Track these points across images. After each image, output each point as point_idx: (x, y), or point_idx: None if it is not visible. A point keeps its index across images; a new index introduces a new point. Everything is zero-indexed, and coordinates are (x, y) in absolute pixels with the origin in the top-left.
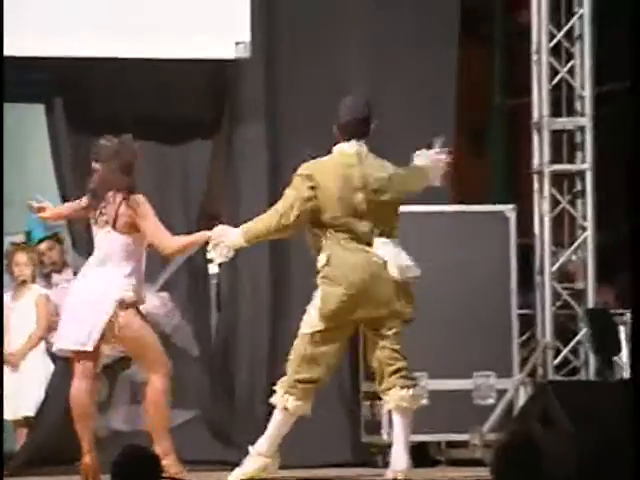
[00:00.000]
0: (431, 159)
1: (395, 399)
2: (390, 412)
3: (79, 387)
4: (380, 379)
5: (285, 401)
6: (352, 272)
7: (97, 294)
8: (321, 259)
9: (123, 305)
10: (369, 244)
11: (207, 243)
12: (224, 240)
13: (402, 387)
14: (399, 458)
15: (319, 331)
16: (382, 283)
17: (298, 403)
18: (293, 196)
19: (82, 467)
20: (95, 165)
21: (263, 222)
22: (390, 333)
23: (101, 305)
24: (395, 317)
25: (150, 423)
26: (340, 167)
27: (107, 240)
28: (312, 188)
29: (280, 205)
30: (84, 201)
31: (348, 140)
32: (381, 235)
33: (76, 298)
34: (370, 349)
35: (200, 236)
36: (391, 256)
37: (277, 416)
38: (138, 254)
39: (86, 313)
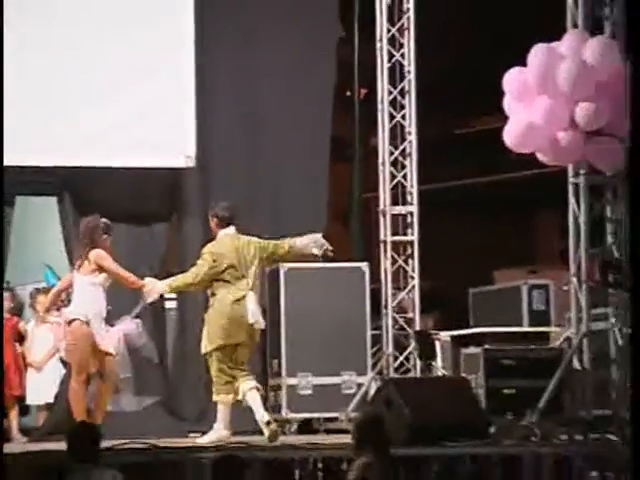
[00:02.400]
0: (312, 239)
1: (250, 384)
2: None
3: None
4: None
5: (220, 398)
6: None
7: None
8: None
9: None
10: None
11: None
12: (154, 287)
13: (250, 381)
14: (265, 414)
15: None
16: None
17: (227, 397)
18: (201, 265)
19: None
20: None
21: (184, 279)
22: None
23: None
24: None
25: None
26: (229, 244)
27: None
28: (214, 260)
29: (194, 270)
30: None
31: (227, 227)
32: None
33: None
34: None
35: (140, 283)
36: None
37: (220, 407)
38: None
39: None
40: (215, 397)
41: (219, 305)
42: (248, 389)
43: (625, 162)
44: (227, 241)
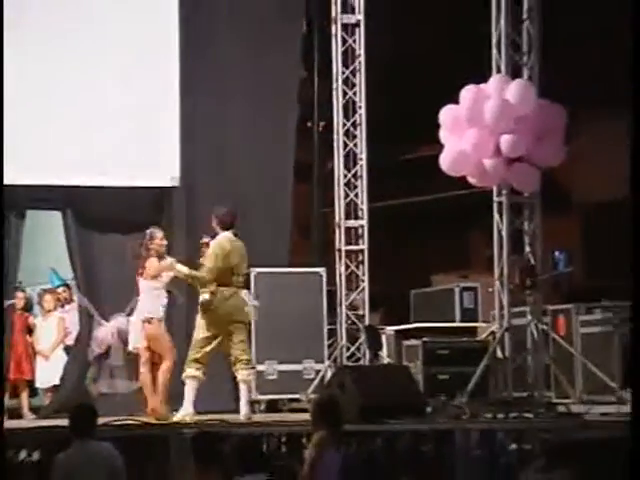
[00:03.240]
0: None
1: (242, 375)
2: (239, 382)
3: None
4: (234, 364)
5: (186, 373)
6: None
7: None
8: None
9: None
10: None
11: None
12: (175, 266)
13: (244, 370)
14: (244, 407)
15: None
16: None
17: (195, 373)
18: (214, 260)
19: None
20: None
21: (201, 275)
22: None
23: None
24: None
25: (151, 387)
26: (229, 245)
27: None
28: (225, 256)
29: (209, 266)
30: None
31: (227, 230)
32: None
33: None
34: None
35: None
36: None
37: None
38: None
39: None
40: (183, 374)
41: (215, 299)
42: (242, 379)
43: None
44: (226, 242)
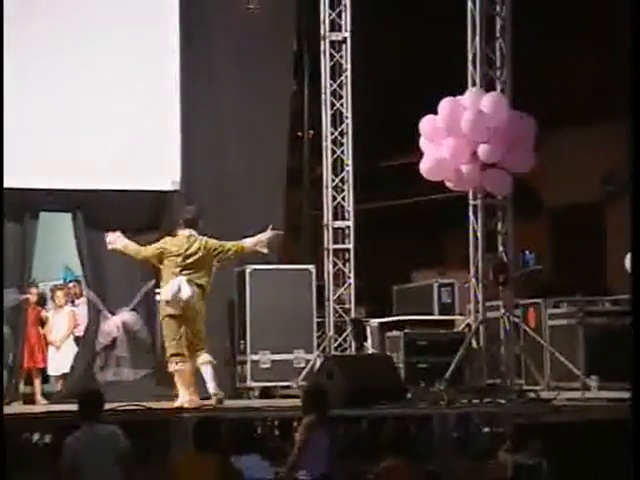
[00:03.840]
0: (259, 239)
1: (204, 358)
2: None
3: None
4: (193, 351)
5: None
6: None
7: None
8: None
9: None
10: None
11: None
12: (118, 239)
13: (202, 353)
14: (212, 387)
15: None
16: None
17: (177, 367)
18: (148, 250)
19: None
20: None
21: (134, 251)
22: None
23: None
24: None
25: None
26: (180, 240)
27: None
28: (158, 249)
29: (142, 250)
30: None
31: (186, 228)
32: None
33: None
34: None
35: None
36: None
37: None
38: None
39: None
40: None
41: (164, 284)
42: (202, 363)
43: (511, 189)
44: (179, 238)
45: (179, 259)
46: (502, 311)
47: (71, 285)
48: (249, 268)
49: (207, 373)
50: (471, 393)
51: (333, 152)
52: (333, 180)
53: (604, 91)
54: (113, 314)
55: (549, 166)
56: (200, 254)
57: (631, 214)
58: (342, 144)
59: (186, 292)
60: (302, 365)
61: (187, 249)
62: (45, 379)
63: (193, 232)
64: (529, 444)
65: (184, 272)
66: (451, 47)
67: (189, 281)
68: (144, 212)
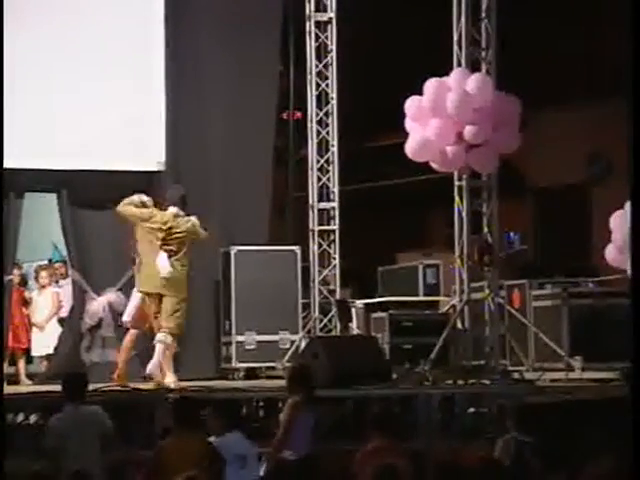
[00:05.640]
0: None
1: (158, 337)
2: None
3: None
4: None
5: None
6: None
7: None
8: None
9: None
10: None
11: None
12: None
13: (162, 332)
14: (149, 367)
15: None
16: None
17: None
18: (135, 212)
19: None
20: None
21: (130, 208)
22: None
23: None
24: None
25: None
26: (164, 216)
27: None
28: (149, 215)
29: (131, 210)
30: None
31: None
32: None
33: None
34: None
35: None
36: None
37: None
38: None
39: None
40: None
41: (145, 259)
42: (157, 340)
43: (496, 167)
44: (166, 214)
45: (161, 234)
46: (487, 292)
47: (57, 265)
48: (234, 249)
49: (155, 352)
50: (456, 374)
51: (318, 133)
52: (318, 161)
53: (589, 72)
54: (99, 295)
55: (534, 147)
56: (183, 235)
57: (632, 210)
58: (327, 125)
59: (166, 268)
60: (287, 346)
61: (170, 227)
62: (29, 360)
63: (180, 212)
64: (513, 424)
65: (164, 248)
66: (436, 28)
67: (168, 258)
68: (129, 192)
